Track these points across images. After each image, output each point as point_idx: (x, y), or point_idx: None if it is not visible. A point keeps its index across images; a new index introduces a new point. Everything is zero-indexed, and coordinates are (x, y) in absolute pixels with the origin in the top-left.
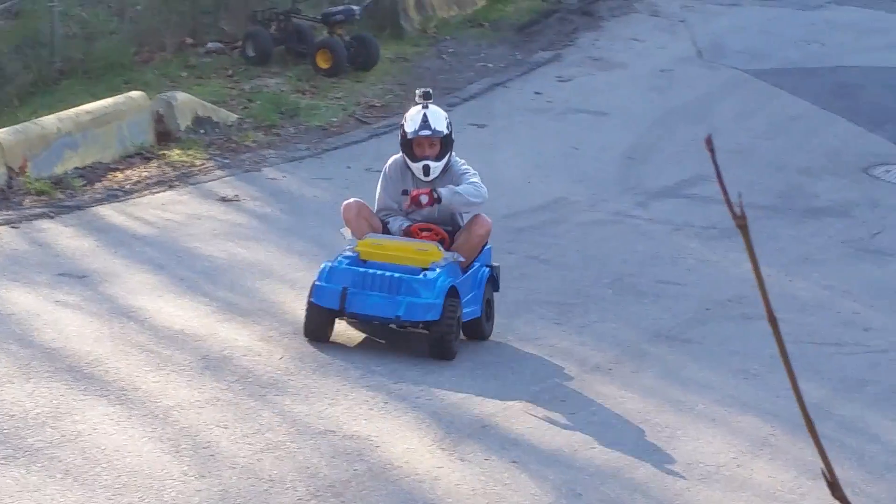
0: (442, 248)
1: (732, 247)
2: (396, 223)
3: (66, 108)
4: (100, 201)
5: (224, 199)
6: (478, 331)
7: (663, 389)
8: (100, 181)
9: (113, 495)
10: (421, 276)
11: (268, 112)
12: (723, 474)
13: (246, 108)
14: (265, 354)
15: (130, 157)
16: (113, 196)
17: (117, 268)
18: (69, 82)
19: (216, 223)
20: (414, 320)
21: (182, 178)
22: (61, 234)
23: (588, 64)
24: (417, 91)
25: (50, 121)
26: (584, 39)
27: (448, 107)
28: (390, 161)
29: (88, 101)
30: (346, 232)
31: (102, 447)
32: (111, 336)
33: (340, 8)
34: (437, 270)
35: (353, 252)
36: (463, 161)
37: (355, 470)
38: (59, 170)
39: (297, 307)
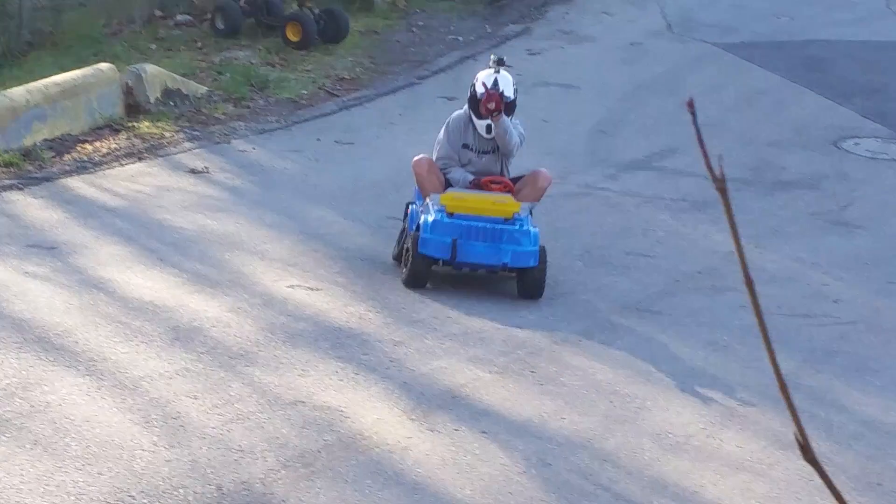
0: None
1: (702, 219)
2: (458, 174)
3: (34, 80)
4: (69, 173)
5: (194, 171)
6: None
7: (633, 361)
8: (69, 153)
9: (82, 465)
10: (517, 226)
11: (237, 84)
12: (692, 444)
13: (215, 80)
14: (235, 325)
15: (100, 128)
16: (82, 168)
17: (87, 239)
18: (38, 54)
19: (186, 195)
20: (519, 266)
21: (151, 150)
22: (30, 206)
23: (558, 37)
24: (492, 56)
25: (19, 92)
26: (555, 13)
27: (417, 79)
28: (454, 115)
29: (57, 73)
30: (430, 200)
31: (72, 418)
32: (81, 307)
33: None
34: (526, 220)
35: (440, 206)
36: (520, 124)
37: (325, 440)
38: (27, 142)
39: (267, 279)
